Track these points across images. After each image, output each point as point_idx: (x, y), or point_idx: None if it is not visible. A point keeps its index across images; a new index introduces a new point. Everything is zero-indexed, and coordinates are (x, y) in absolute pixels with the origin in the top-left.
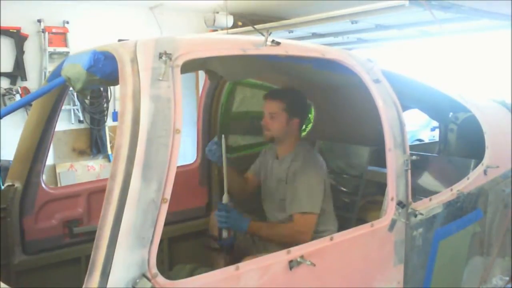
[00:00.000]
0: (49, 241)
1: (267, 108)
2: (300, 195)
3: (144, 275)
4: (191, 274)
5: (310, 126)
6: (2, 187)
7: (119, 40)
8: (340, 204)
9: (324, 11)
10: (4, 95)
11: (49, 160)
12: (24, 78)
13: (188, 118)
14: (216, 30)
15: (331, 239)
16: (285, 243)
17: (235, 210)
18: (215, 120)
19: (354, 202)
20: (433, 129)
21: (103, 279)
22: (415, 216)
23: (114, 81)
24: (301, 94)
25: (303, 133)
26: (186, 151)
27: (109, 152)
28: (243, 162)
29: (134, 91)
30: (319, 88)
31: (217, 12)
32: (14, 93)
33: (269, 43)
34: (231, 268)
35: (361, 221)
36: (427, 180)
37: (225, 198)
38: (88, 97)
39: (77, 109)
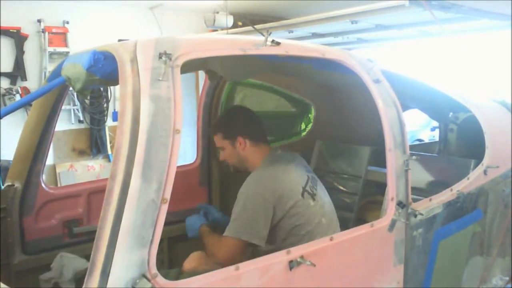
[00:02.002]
0: (49, 241)
1: (216, 145)
2: (231, 216)
3: (144, 275)
4: (177, 278)
5: (310, 126)
6: (2, 187)
7: (119, 40)
8: (340, 204)
9: (324, 11)
10: (4, 95)
11: (49, 160)
12: (24, 78)
13: (188, 118)
14: (216, 30)
15: (331, 239)
16: None
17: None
18: (215, 120)
19: (354, 202)
20: (433, 129)
21: (103, 279)
22: (415, 216)
23: (114, 81)
24: (234, 109)
25: (303, 133)
26: (186, 151)
27: (109, 152)
28: None
29: (134, 91)
30: (319, 88)
31: (217, 12)
32: (14, 93)
33: (269, 43)
34: (231, 268)
35: (361, 221)
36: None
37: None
38: (88, 97)
39: (77, 109)
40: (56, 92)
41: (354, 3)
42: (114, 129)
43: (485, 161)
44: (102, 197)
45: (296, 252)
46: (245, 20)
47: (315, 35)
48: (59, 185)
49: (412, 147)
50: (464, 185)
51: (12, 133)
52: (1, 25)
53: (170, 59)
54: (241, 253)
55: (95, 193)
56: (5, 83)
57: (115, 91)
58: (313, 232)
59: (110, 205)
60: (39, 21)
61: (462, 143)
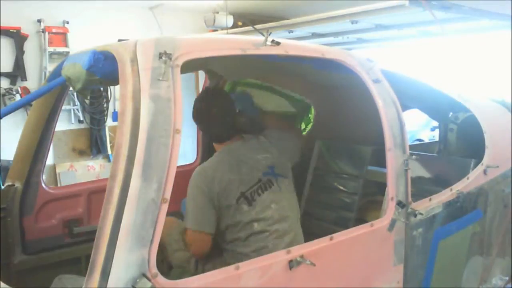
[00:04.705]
0: (49, 241)
1: None
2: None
3: (144, 275)
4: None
5: (310, 126)
6: (2, 187)
7: (119, 40)
8: (340, 204)
9: (324, 11)
10: (4, 95)
11: (49, 160)
12: (24, 78)
13: (188, 118)
14: (216, 30)
15: (331, 239)
16: None
17: None
18: None
19: (354, 202)
20: (433, 129)
21: (103, 279)
22: (415, 216)
23: (114, 81)
24: (196, 100)
25: (303, 133)
26: (186, 151)
27: (109, 152)
28: None
29: (134, 91)
30: (319, 88)
31: (217, 12)
32: (14, 93)
33: (269, 43)
34: (231, 268)
35: (361, 221)
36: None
37: None
38: (88, 97)
39: (77, 109)
40: (56, 92)
41: (354, 3)
42: (114, 129)
43: (485, 160)
44: (102, 197)
45: (296, 251)
46: (245, 20)
47: (315, 35)
48: (59, 185)
49: (412, 147)
50: (464, 185)
51: (12, 133)
52: (1, 25)
53: (170, 59)
54: (204, 243)
55: (95, 193)
56: (5, 83)
57: (115, 91)
58: (241, 235)
59: (110, 205)
60: (39, 21)
61: (462, 143)
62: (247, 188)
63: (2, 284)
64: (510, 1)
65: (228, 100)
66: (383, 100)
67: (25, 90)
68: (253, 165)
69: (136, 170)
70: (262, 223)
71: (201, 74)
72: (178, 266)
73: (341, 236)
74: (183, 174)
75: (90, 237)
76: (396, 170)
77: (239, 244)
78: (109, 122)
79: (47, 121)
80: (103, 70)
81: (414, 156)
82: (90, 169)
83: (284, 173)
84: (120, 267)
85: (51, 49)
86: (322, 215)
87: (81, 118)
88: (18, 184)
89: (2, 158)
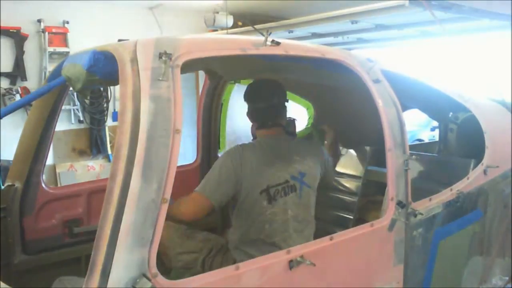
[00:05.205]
0: (49, 241)
1: None
2: None
3: (144, 275)
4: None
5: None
6: (3, 187)
7: (119, 40)
8: (340, 204)
9: (324, 11)
10: (4, 95)
11: (49, 160)
12: (24, 78)
13: (188, 118)
14: (216, 30)
15: (331, 239)
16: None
17: None
18: (215, 120)
19: (354, 202)
20: (433, 129)
21: (103, 279)
22: (415, 216)
23: (114, 81)
24: (255, 83)
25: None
26: (186, 151)
27: (109, 152)
28: None
29: (134, 91)
30: (319, 88)
31: (217, 12)
32: (14, 93)
33: (269, 43)
34: (231, 268)
35: (361, 221)
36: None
37: None
38: (88, 97)
39: (77, 109)
40: (56, 92)
41: (354, 3)
42: (114, 129)
43: (485, 161)
44: (102, 197)
45: (296, 251)
46: (245, 20)
47: (315, 35)
48: (59, 185)
49: (412, 147)
50: (464, 185)
51: (12, 133)
52: (1, 25)
53: (170, 59)
54: (203, 209)
55: (95, 193)
56: (5, 83)
57: (115, 91)
58: (250, 229)
59: (110, 205)
60: (39, 21)
61: (462, 143)
62: (274, 184)
63: (2, 284)
64: (510, 1)
65: (284, 91)
66: (383, 100)
67: (25, 90)
68: (287, 164)
69: (136, 170)
70: (274, 224)
71: (201, 74)
72: (181, 268)
73: (341, 236)
74: (183, 174)
75: (90, 237)
76: (396, 170)
77: (247, 242)
78: (109, 122)
79: (47, 121)
80: (103, 70)
81: (414, 156)
82: (90, 169)
83: (311, 184)
84: (120, 267)
85: (51, 49)
86: (322, 215)
87: (81, 118)
88: (18, 184)
89: (2, 158)
